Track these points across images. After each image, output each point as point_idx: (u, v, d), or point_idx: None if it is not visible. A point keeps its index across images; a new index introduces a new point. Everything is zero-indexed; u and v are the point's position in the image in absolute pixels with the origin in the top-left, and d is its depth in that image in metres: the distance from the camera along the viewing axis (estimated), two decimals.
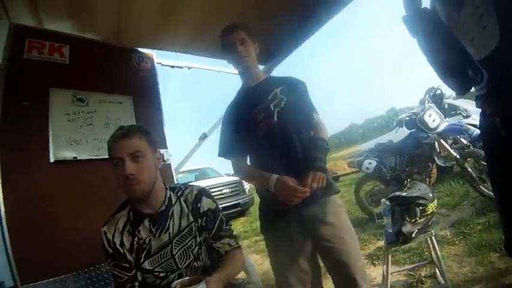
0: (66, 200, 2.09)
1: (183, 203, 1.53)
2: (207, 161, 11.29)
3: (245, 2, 2.43)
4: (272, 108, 1.77)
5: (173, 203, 1.52)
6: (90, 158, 2.25)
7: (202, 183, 8.79)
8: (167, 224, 1.48)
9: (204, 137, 3.46)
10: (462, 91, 1.38)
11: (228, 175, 10.22)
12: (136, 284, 1.45)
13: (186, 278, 1.32)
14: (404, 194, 2.51)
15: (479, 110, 1.26)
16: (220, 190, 8.84)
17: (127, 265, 1.44)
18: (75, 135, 2.25)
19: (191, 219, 1.52)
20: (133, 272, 1.45)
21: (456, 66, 1.27)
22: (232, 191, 9.11)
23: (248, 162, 1.88)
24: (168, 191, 1.53)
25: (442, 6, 1.24)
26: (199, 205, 1.54)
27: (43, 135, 2.13)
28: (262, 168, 1.73)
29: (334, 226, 1.66)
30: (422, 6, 1.28)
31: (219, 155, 1.90)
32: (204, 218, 1.54)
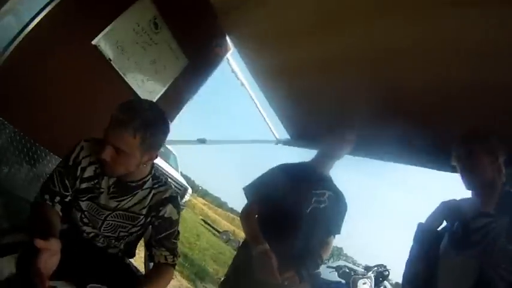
0: (78, 82, 2.04)
1: (150, 195, 1.50)
2: (178, 148, 11.13)
3: None
4: (312, 202, 1.91)
5: (144, 188, 1.49)
6: (118, 72, 2.21)
7: (156, 161, 8.72)
8: (124, 197, 1.45)
9: (202, 141, 3.42)
10: None
11: (182, 175, 10.09)
12: (58, 199, 1.36)
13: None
14: None
15: None
16: None
17: (68, 185, 1.39)
18: (126, 46, 2.22)
19: (143, 212, 1.49)
20: (68, 193, 1.39)
21: (419, 279, 1.48)
22: None
23: None
24: (148, 177, 1.50)
25: (448, 247, 1.47)
26: (161, 208, 1.50)
27: (105, 19, 2.07)
28: (264, 229, 1.84)
29: None
30: (439, 229, 1.56)
31: (246, 187, 2.06)
32: (160, 221, 1.50)
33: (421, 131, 2.18)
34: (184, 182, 9.64)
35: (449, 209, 1.51)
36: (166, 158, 10.10)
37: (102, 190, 1.43)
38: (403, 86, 2.08)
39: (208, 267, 7.60)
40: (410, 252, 1.57)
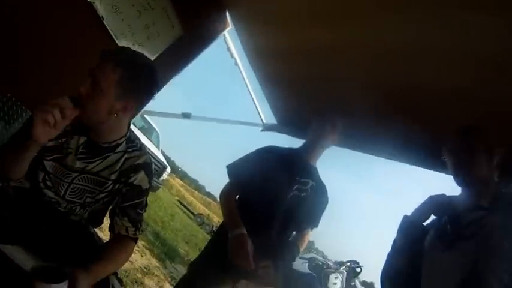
0: (66, 39, 1.96)
1: (122, 159, 1.39)
2: (162, 126, 10.95)
3: None
4: (293, 189, 1.86)
5: (116, 151, 1.37)
6: (108, 29, 2.09)
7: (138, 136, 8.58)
8: (93, 159, 1.34)
9: (187, 115, 3.32)
10: None
11: (163, 155, 9.97)
12: None
13: (48, 265, 0.98)
14: None
15: None
16: None
17: None
18: (121, 6, 2.09)
19: (112, 177, 1.38)
20: None
21: (400, 274, 1.42)
22: None
23: None
24: (123, 140, 1.38)
25: (435, 242, 1.38)
26: (132, 175, 1.39)
27: None
28: (242, 212, 1.79)
29: None
30: (425, 223, 1.45)
31: (229, 167, 1.97)
32: (128, 188, 1.38)
33: (414, 129, 2.20)
34: (164, 160, 9.54)
35: (438, 203, 1.42)
36: (149, 134, 9.94)
37: (70, 150, 1.33)
38: (399, 83, 2.06)
39: (180, 248, 7.56)
40: (392, 245, 1.48)
